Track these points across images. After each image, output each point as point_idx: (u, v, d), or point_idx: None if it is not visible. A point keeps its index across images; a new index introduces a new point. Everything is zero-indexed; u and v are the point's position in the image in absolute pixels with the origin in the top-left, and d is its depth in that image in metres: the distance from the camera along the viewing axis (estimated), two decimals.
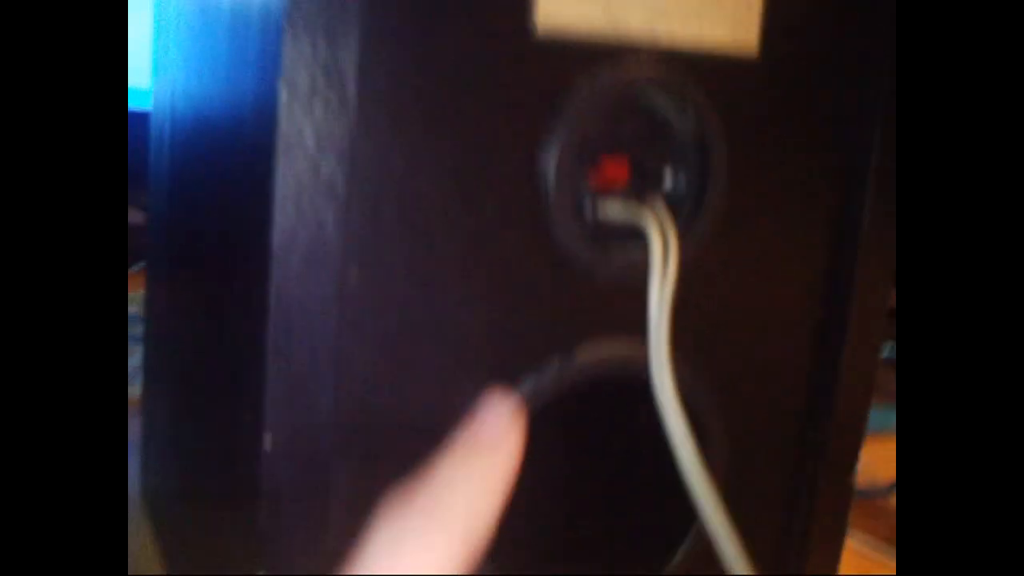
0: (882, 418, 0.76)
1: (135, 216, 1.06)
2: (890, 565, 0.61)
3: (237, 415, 0.35)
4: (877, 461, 0.71)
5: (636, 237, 0.37)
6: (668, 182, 0.39)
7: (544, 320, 0.37)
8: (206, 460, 0.42)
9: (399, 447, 0.35)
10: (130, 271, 0.91)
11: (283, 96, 0.31)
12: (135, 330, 0.68)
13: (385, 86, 0.33)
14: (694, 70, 0.38)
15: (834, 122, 0.42)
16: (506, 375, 0.37)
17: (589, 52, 0.36)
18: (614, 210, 0.38)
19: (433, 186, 0.34)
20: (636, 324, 0.37)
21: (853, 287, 0.43)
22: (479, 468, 0.29)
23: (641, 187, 0.39)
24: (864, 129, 0.42)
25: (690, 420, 0.40)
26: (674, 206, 0.39)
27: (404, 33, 0.33)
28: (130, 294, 0.78)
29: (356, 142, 0.32)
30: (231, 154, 0.37)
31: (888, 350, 0.85)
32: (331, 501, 0.34)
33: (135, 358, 0.68)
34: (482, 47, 0.34)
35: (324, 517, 0.34)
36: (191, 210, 0.47)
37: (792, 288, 0.43)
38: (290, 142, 0.31)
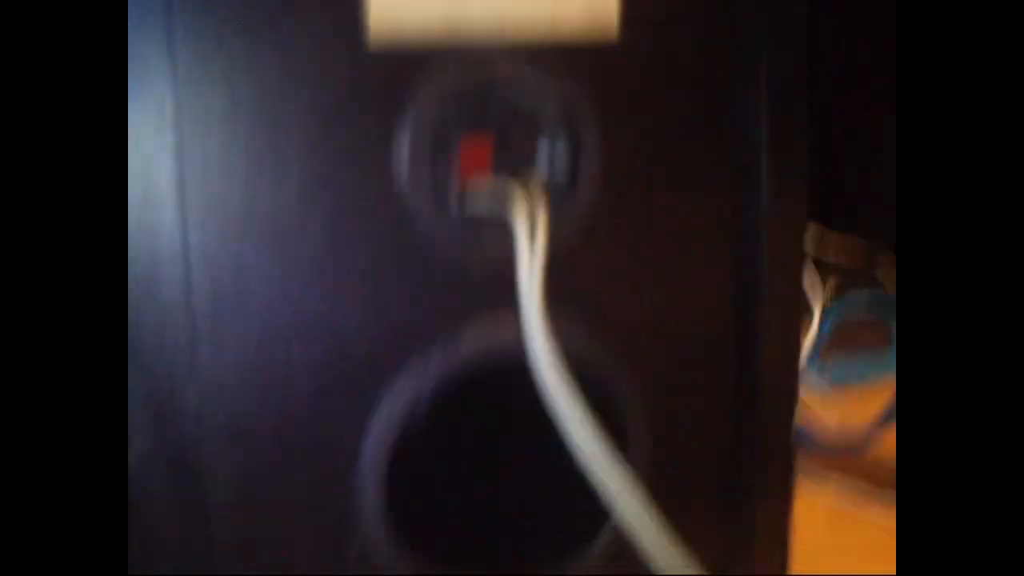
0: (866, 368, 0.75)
1: None
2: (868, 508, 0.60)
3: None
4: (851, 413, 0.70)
5: (508, 216, 0.37)
6: (540, 162, 0.39)
7: (419, 309, 0.37)
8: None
9: (275, 443, 0.36)
10: None
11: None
12: None
13: (214, 96, 0.33)
14: (551, 57, 0.38)
15: (717, 89, 0.42)
16: (384, 370, 0.37)
17: (430, 55, 0.36)
18: (480, 199, 0.37)
19: (279, 188, 0.34)
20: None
21: (763, 246, 0.43)
22: None
23: (512, 166, 0.38)
24: (749, 92, 0.42)
25: (604, 400, 0.40)
26: (550, 181, 0.38)
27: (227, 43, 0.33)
28: None
29: (185, 145, 0.33)
30: None
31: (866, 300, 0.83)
32: (207, 493, 0.34)
33: None
34: (315, 59, 0.34)
35: (202, 509, 0.34)
36: None
37: (700, 255, 0.43)
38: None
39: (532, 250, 0.36)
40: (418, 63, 0.36)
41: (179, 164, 0.33)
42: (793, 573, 0.48)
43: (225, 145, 0.33)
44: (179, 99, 0.33)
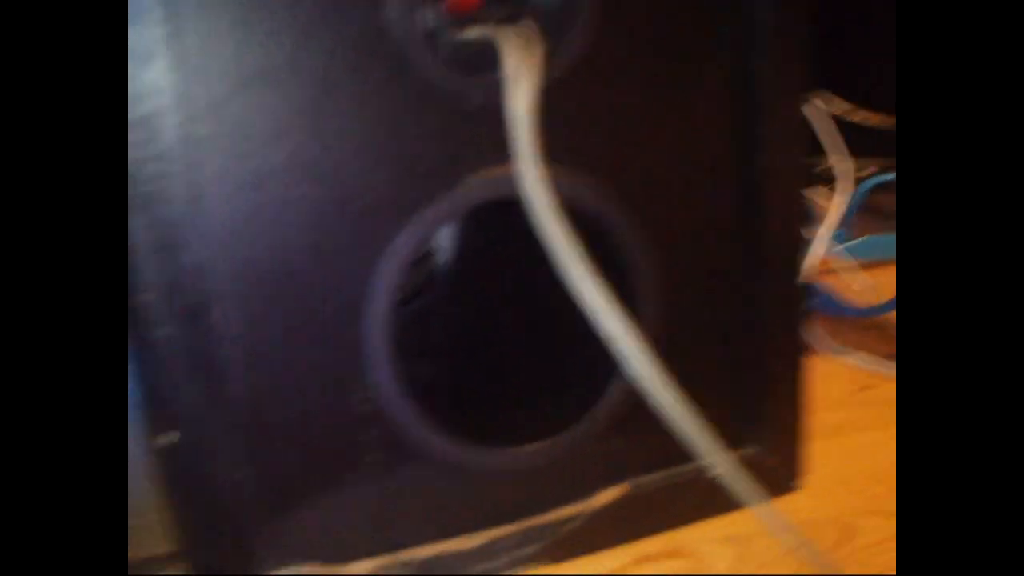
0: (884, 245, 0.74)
1: None
2: (890, 378, 0.60)
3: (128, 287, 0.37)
4: (881, 285, 0.70)
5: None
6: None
7: (419, 155, 0.38)
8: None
9: (282, 292, 0.36)
10: None
11: None
12: None
13: None
14: None
15: None
16: (386, 214, 0.37)
17: None
18: (471, 34, 0.37)
19: (270, 34, 0.35)
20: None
21: (763, 93, 0.42)
22: None
23: (505, 8, 0.38)
24: None
25: (610, 251, 0.40)
26: (544, 22, 0.38)
27: None
28: None
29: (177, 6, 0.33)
30: None
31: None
32: (220, 347, 0.35)
33: None
34: None
35: (215, 364, 0.35)
36: None
37: (700, 97, 0.42)
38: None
39: (521, 88, 0.36)
40: None
41: (171, 14, 0.33)
42: (810, 438, 0.48)
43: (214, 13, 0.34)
44: None
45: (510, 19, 0.38)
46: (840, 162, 0.87)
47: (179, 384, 0.35)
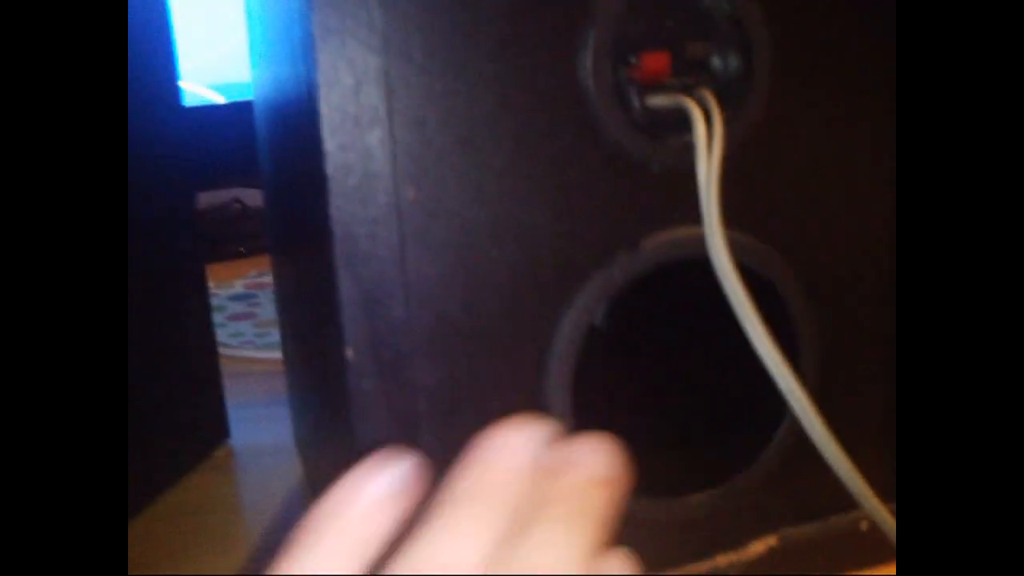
0: None
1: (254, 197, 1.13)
2: None
3: (329, 340, 0.39)
4: None
5: (686, 124, 0.39)
6: (715, 68, 0.40)
7: (605, 214, 0.39)
8: (321, 392, 0.46)
9: (474, 348, 0.38)
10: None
11: (318, 36, 0.34)
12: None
13: (412, 11, 0.35)
14: None
15: None
16: (573, 273, 0.39)
17: None
18: (659, 100, 0.39)
19: (473, 99, 0.36)
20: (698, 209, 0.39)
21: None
22: None
23: (688, 76, 0.40)
24: None
25: (775, 305, 0.41)
26: (723, 91, 0.40)
27: None
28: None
29: (391, 68, 0.35)
30: (296, 116, 0.41)
31: None
32: (417, 401, 0.37)
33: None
34: None
35: (412, 417, 0.37)
36: (286, 183, 0.51)
37: (863, 156, 0.43)
38: (328, 78, 0.34)
39: (709, 156, 0.37)
40: None
41: (386, 87, 0.35)
42: None
43: (426, 64, 0.36)
44: (385, 24, 0.35)
45: (694, 87, 0.39)
46: None
47: (379, 434, 0.37)
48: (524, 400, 0.39)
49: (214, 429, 0.62)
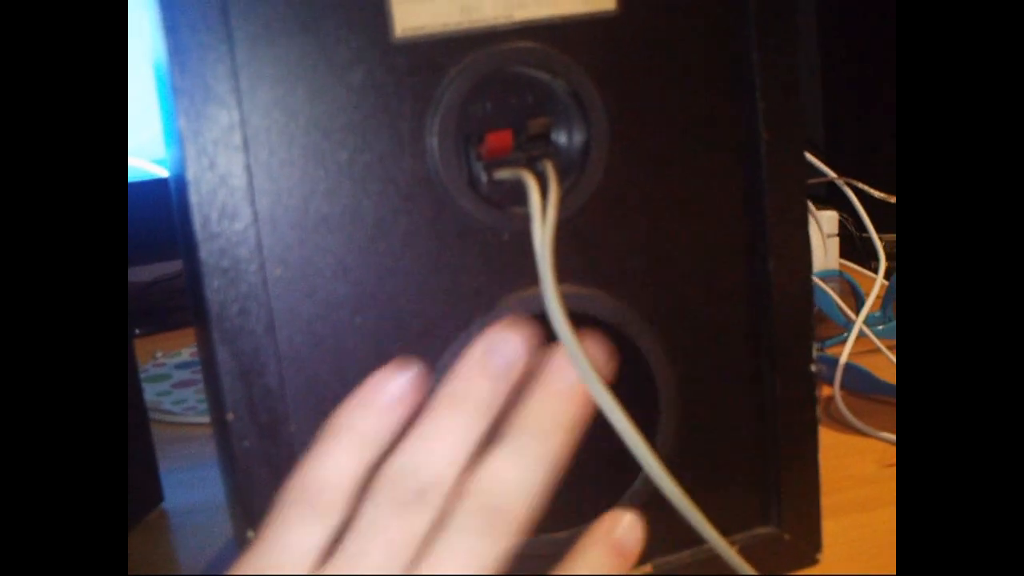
0: None
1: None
2: None
3: (216, 405, 0.43)
4: None
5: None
6: (557, 140, 0.45)
7: (462, 280, 0.43)
8: (219, 452, 0.50)
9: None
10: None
11: (185, 135, 0.39)
12: None
13: (270, 107, 0.40)
14: (556, 38, 0.43)
15: (717, 50, 0.47)
16: (436, 335, 0.43)
17: (452, 44, 0.42)
18: (504, 174, 0.43)
19: (331, 185, 0.41)
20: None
21: (766, 198, 0.47)
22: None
23: (533, 148, 0.44)
24: (748, 50, 0.46)
25: (631, 354, 0.45)
26: (565, 160, 0.44)
27: (274, 50, 0.40)
28: None
29: (253, 160, 0.40)
30: (177, 202, 0.45)
31: None
32: (294, 456, 0.41)
33: None
34: (349, 54, 0.41)
35: (291, 471, 0.41)
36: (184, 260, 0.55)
37: (711, 213, 0.48)
38: (195, 173, 0.39)
39: (544, 222, 0.42)
40: (443, 53, 0.42)
41: (249, 177, 0.40)
42: (834, 514, 0.52)
43: (285, 154, 0.40)
44: (245, 122, 0.39)
45: (538, 158, 0.44)
46: (881, 240, 0.91)
47: (260, 489, 0.41)
48: None
49: (148, 493, 0.66)
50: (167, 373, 0.92)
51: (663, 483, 0.42)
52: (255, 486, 0.41)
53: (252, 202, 0.40)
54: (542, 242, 0.42)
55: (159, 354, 0.96)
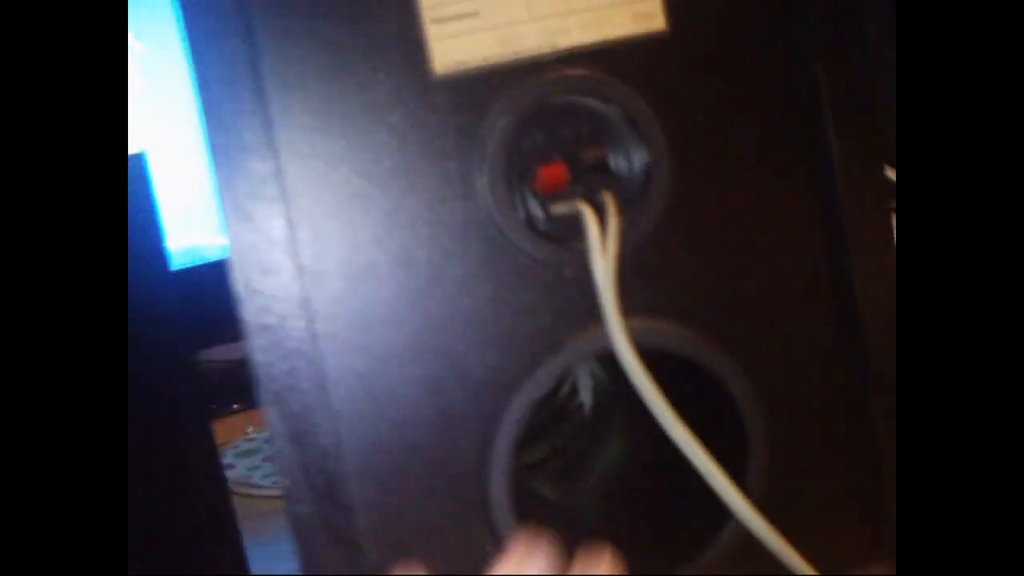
0: None
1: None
2: None
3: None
4: None
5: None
6: (615, 168, 0.42)
7: (525, 323, 0.41)
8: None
9: (408, 464, 0.40)
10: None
11: (227, 207, 0.37)
12: None
13: (310, 162, 0.38)
14: (605, 63, 0.41)
15: (779, 64, 0.44)
16: (499, 382, 0.40)
17: (495, 78, 0.40)
18: (560, 208, 0.41)
19: (379, 235, 0.39)
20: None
21: (843, 214, 0.44)
22: None
23: (590, 179, 0.42)
24: (812, 61, 0.43)
25: (715, 391, 0.42)
26: (625, 188, 0.42)
27: (308, 97, 0.38)
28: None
29: (295, 221, 0.38)
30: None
31: None
32: (354, 520, 0.39)
33: None
34: (387, 96, 0.39)
35: (351, 536, 0.39)
36: None
37: (786, 236, 0.44)
38: (236, 238, 0.37)
39: (605, 254, 0.39)
40: (485, 93, 0.40)
41: (290, 229, 0.38)
42: None
43: (328, 203, 0.39)
44: (283, 172, 0.38)
45: (596, 189, 0.41)
46: None
47: (320, 555, 0.38)
48: (465, 510, 0.40)
49: (231, 566, 0.64)
50: (257, 447, 0.91)
51: (753, 524, 0.39)
52: (315, 554, 0.38)
53: (295, 254, 0.38)
54: (604, 275, 0.39)
55: (250, 429, 0.96)
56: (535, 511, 0.42)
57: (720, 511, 0.42)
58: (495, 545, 0.41)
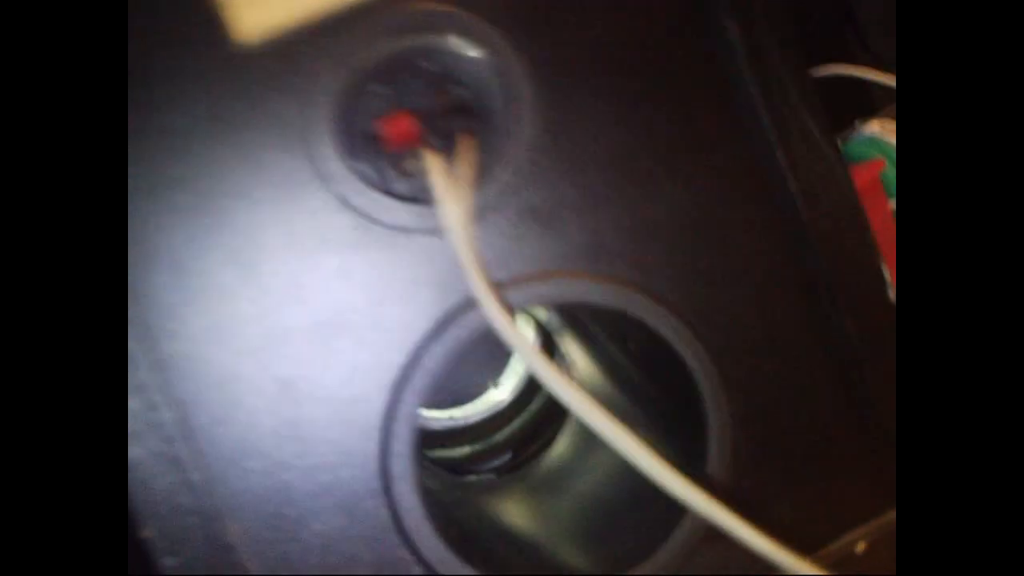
0: None
1: None
2: None
3: None
4: None
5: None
6: (480, 107, 0.37)
7: (410, 306, 0.36)
8: None
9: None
10: None
11: None
12: None
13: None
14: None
15: None
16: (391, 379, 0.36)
17: (318, 36, 0.35)
18: (411, 167, 0.36)
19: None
20: None
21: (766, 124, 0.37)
22: None
23: (448, 127, 0.36)
24: None
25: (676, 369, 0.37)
26: (489, 127, 0.36)
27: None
28: None
29: None
30: None
31: None
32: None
33: None
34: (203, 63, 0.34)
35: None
36: None
37: (707, 164, 0.38)
38: None
39: (452, 206, 0.34)
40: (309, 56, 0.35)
41: None
42: None
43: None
44: None
45: (450, 139, 0.36)
46: None
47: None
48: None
49: None
50: None
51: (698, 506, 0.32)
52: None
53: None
54: (457, 223, 0.34)
55: None
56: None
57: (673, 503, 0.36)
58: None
